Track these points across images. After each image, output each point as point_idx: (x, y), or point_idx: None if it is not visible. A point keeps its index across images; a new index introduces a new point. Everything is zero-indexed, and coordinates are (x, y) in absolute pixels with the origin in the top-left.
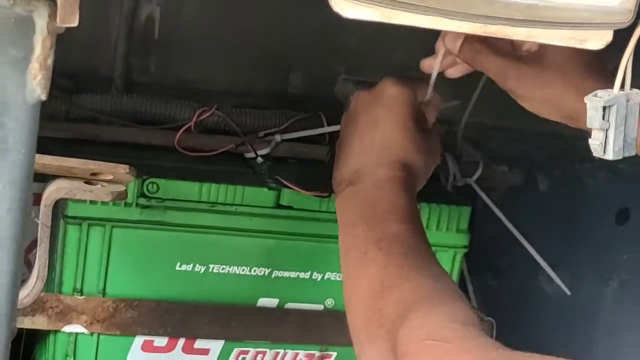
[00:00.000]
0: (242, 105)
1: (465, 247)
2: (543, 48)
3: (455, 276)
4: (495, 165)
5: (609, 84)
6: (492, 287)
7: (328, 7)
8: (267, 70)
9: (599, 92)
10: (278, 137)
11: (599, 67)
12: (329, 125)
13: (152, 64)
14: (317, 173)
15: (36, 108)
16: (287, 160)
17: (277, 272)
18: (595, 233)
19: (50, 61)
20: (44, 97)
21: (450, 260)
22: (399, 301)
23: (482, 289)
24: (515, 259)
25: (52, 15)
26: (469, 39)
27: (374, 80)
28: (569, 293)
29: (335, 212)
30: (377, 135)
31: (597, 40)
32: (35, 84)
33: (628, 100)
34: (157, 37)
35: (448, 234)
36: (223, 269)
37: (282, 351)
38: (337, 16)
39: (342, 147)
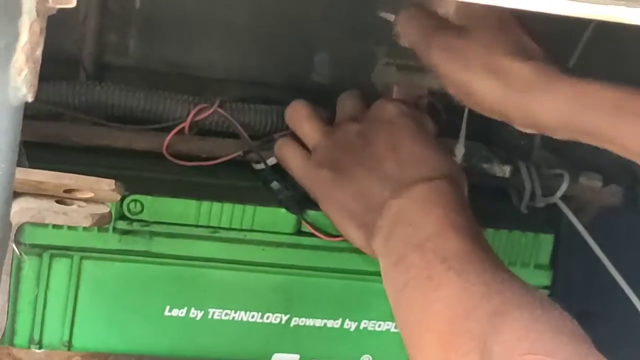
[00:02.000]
0: (251, 99)
1: (546, 287)
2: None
3: None
4: (585, 179)
5: (540, 68)
6: None
7: None
8: (283, 53)
9: None
10: None
11: (531, 48)
12: None
13: (132, 43)
14: None
15: (19, 111)
16: None
17: (297, 319)
18: None
19: (39, 52)
20: (30, 98)
21: None
22: (490, 317)
23: None
24: (611, 301)
25: None
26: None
27: (421, 64)
28: None
29: None
30: (395, 157)
31: None
32: (21, 80)
33: None
34: (139, 7)
35: (524, 270)
36: (227, 314)
37: None
38: None
39: (347, 185)
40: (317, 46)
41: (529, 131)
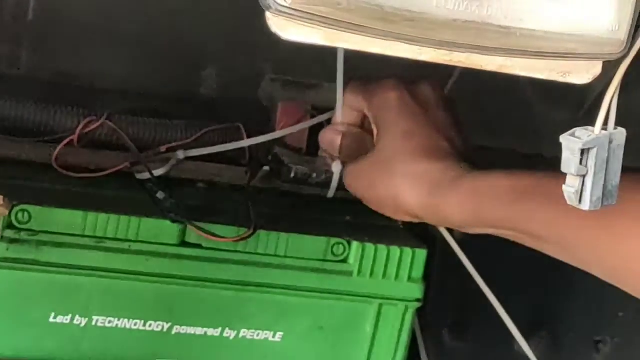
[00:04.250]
0: (140, 112)
1: (418, 300)
2: (378, 138)
3: (404, 336)
4: None
5: (449, 166)
6: (454, 350)
7: None
8: (172, 66)
9: (577, 131)
10: (181, 154)
11: (438, 147)
12: (249, 137)
13: (24, 54)
14: (233, 202)
15: None
16: (195, 183)
17: (178, 327)
18: (584, 285)
19: None
20: None
21: (400, 317)
22: None
23: (441, 354)
24: (484, 315)
25: None
26: (345, 136)
27: (306, 81)
28: None
29: (256, 253)
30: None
31: (584, 73)
32: None
33: (611, 142)
34: (31, 18)
35: (397, 283)
36: (110, 322)
37: None
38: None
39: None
40: (206, 60)
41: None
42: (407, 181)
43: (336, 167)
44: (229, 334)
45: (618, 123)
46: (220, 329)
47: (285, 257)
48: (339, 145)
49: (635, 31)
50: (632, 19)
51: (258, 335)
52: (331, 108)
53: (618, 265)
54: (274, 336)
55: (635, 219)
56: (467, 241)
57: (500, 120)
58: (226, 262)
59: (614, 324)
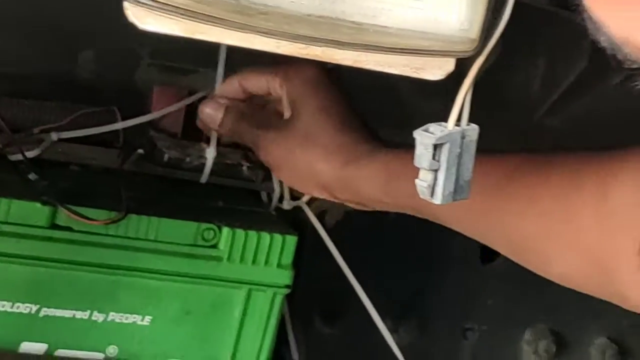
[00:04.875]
0: (15, 93)
1: (287, 286)
2: (295, 113)
3: (273, 321)
4: None
5: (364, 140)
6: (324, 335)
7: None
8: (49, 47)
9: (431, 127)
10: (54, 136)
11: (356, 123)
12: (124, 120)
13: None
14: (106, 185)
15: None
16: (69, 166)
17: (46, 309)
18: (454, 273)
19: None
20: None
21: (269, 302)
22: None
23: (311, 338)
24: (355, 302)
25: None
26: (229, 109)
27: (183, 66)
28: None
29: (126, 237)
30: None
31: (436, 69)
32: None
33: (463, 137)
34: None
35: (267, 269)
36: None
37: None
38: None
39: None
40: (83, 42)
41: (360, 208)
42: (324, 152)
43: (210, 153)
44: (98, 317)
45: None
46: (88, 311)
47: (156, 241)
48: (220, 119)
49: (489, 30)
50: (485, 18)
51: (127, 318)
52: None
53: (521, 243)
54: (142, 320)
55: (529, 201)
56: (339, 229)
57: (380, 115)
58: (96, 245)
59: (482, 312)
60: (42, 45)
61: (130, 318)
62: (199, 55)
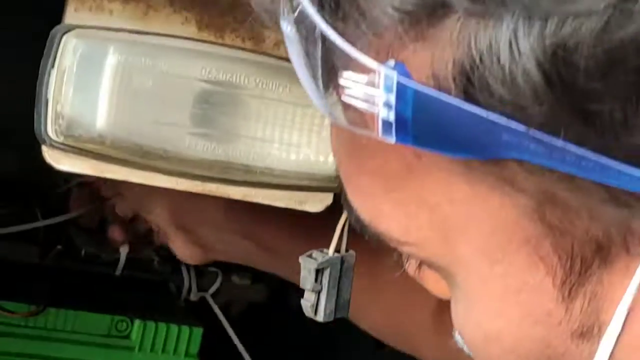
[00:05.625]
0: None
1: None
2: None
3: None
4: (237, 277)
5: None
6: None
7: None
8: None
9: (314, 253)
10: None
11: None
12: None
13: None
14: (26, 280)
15: None
16: None
17: None
18: (356, 357)
19: None
20: None
21: None
22: None
23: None
24: None
25: None
26: None
27: None
28: None
29: (45, 328)
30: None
31: (317, 202)
32: None
33: (343, 263)
34: None
35: (175, 358)
36: None
37: None
38: None
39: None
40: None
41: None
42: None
43: (123, 250)
44: None
45: None
46: None
47: (73, 332)
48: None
49: None
50: None
51: None
52: None
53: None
54: None
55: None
56: (244, 320)
57: None
58: (17, 336)
59: None
60: None
61: None
62: None
